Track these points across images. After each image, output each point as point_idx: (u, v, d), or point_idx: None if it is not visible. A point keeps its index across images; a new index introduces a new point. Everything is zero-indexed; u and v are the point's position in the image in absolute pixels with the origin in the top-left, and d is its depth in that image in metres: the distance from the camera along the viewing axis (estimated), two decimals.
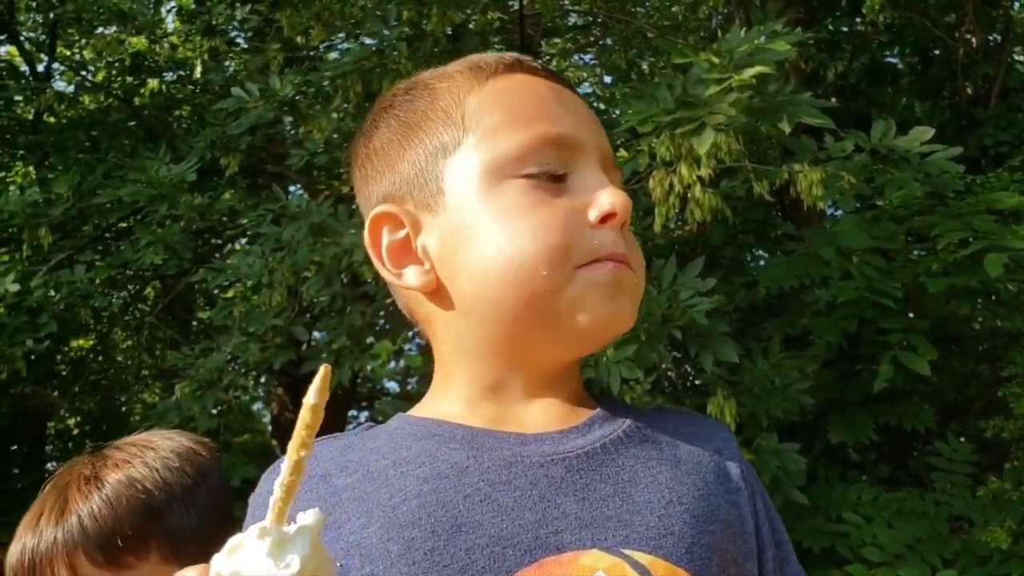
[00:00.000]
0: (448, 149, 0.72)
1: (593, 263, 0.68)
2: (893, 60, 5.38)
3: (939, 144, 2.79)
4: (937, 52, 5.04)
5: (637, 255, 0.72)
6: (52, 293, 3.38)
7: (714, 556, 0.66)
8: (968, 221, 2.88)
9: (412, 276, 0.73)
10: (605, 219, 0.69)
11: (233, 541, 0.50)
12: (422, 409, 0.75)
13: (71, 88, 5.13)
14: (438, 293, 0.73)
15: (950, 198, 3.08)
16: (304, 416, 0.50)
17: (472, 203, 0.70)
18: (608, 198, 0.69)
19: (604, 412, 0.72)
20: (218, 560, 0.50)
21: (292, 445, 0.50)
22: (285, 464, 0.50)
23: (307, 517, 0.50)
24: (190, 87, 4.63)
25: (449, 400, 0.73)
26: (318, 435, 0.58)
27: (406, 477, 0.66)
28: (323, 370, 0.51)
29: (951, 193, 3.00)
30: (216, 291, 5.48)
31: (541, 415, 0.71)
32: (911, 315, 3.21)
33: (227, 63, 4.52)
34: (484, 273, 0.69)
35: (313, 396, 0.50)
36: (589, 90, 6.34)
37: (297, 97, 3.70)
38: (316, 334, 3.86)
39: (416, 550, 0.61)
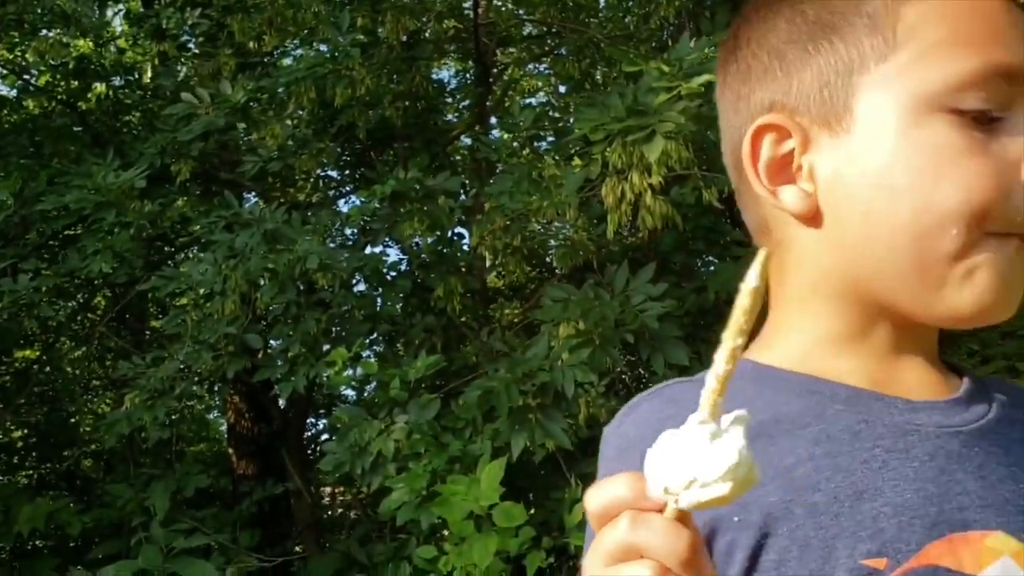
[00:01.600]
0: (868, 64, 0.62)
1: (1006, 236, 0.59)
2: None
3: None
4: None
5: None
6: None
7: None
8: None
9: (790, 196, 0.65)
10: None
11: (665, 435, 0.49)
12: (774, 354, 0.67)
13: (13, 92, 5.00)
14: (814, 220, 0.65)
15: None
16: (743, 301, 0.47)
17: (888, 133, 0.61)
18: None
19: (974, 383, 0.67)
20: (652, 451, 0.49)
21: (729, 332, 0.47)
22: (721, 353, 0.47)
23: (736, 413, 0.48)
24: (139, 92, 4.55)
25: (811, 352, 0.66)
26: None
27: (794, 438, 0.61)
28: (762, 254, 0.48)
29: None
30: (168, 299, 5.39)
31: (918, 380, 0.65)
32: None
33: (178, 68, 4.46)
34: (883, 215, 0.60)
35: (755, 279, 0.47)
36: (544, 99, 6.38)
37: (250, 103, 3.67)
38: (272, 342, 3.82)
39: (822, 514, 0.58)
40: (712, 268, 4.43)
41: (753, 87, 0.68)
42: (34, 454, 5.01)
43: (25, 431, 5.12)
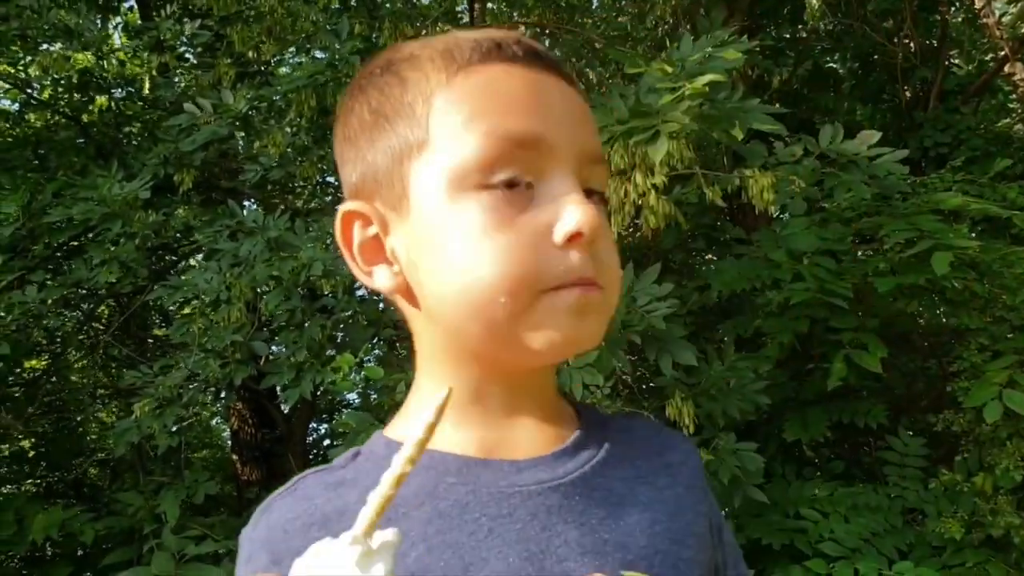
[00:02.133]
0: (413, 150, 0.65)
1: (558, 289, 0.62)
2: (835, 66, 5.53)
3: (887, 148, 2.89)
4: (877, 57, 5.20)
5: (612, 267, 0.66)
6: (3, 314, 3.31)
7: (694, 569, 0.68)
8: (914, 221, 2.98)
9: (381, 277, 0.69)
10: (570, 240, 0.62)
11: (317, 547, 0.50)
12: (406, 427, 0.71)
13: (15, 106, 5.01)
14: (409, 296, 0.69)
15: (895, 199, 3.19)
16: (420, 434, 0.50)
17: (434, 214, 0.64)
18: (574, 216, 0.62)
19: (585, 429, 0.71)
20: (300, 563, 0.50)
21: (400, 458, 0.50)
22: (387, 476, 0.50)
23: (388, 534, 0.50)
24: (139, 103, 4.56)
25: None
26: (288, 475, 0.62)
27: (408, 519, 0.64)
28: (447, 392, 0.52)
29: (897, 195, 3.10)
30: (172, 308, 5.40)
31: (529, 436, 0.69)
32: (861, 314, 3.31)
33: (177, 79, 4.47)
34: (443, 292, 0.64)
35: (433, 415, 0.51)
36: None
37: (250, 112, 3.68)
38: (275, 348, 3.83)
39: None
40: (712, 266, 4.45)
41: (346, 172, 0.72)
42: (43, 463, 5.03)
43: (33, 440, 5.14)
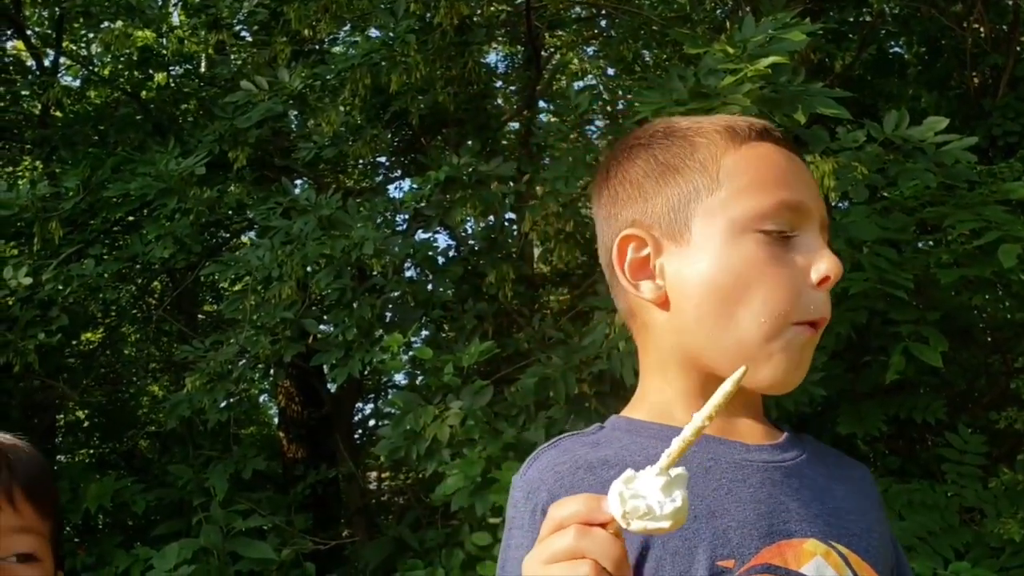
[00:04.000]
0: (701, 195, 0.85)
1: (802, 324, 0.82)
2: (900, 50, 5.36)
3: (954, 134, 2.78)
4: (945, 42, 5.02)
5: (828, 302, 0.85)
6: (62, 287, 3.38)
7: (880, 556, 0.84)
8: (980, 212, 2.87)
9: (647, 289, 0.87)
10: (822, 282, 0.82)
11: (629, 472, 0.66)
12: (642, 410, 0.90)
13: (77, 83, 5.12)
14: (664, 307, 0.87)
15: (962, 188, 3.08)
16: (718, 397, 0.66)
17: (714, 246, 0.83)
18: (826, 264, 0.81)
19: (790, 434, 0.91)
20: (618, 484, 0.65)
21: (701, 414, 0.66)
22: (690, 426, 0.66)
23: (680, 470, 0.66)
24: (196, 81, 4.61)
25: (667, 403, 0.88)
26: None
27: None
28: (742, 369, 0.68)
29: (964, 183, 2.99)
30: (224, 285, 5.48)
31: (750, 429, 0.88)
32: (921, 307, 3.21)
33: (233, 57, 4.51)
34: (712, 307, 0.82)
35: (730, 385, 0.67)
36: (592, 82, 6.32)
37: (305, 90, 3.70)
38: (323, 327, 3.86)
39: (686, 529, 0.74)
40: None
41: (620, 208, 0.91)
42: (96, 434, 5.15)
43: (88, 411, 5.27)
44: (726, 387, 0.66)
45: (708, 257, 0.83)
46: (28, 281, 3.10)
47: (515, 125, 5.44)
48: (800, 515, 0.81)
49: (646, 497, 0.64)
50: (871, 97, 4.88)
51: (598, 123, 5.45)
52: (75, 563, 3.49)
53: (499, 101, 5.50)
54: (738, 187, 0.84)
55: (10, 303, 3.14)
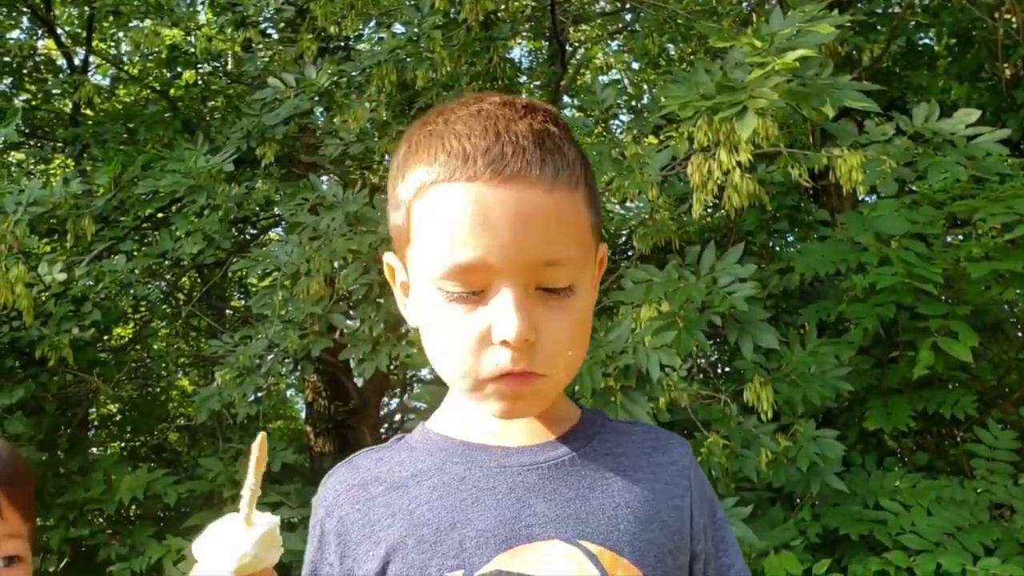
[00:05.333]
0: (403, 238, 0.82)
1: (496, 379, 0.78)
2: (930, 42, 5.29)
3: (986, 127, 2.75)
4: (975, 33, 4.95)
5: (558, 353, 0.79)
6: (94, 283, 3.44)
7: (651, 549, 0.82)
8: (1012, 205, 2.83)
9: (408, 314, 0.87)
10: (504, 343, 0.77)
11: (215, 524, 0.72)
12: (437, 422, 0.90)
13: (107, 81, 5.19)
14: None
15: (993, 182, 3.04)
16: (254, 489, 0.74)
17: (416, 294, 0.83)
18: (504, 329, 0.76)
19: (578, 428, 0.88)
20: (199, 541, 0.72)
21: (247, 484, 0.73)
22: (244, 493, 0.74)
23: (267, 518, 0.73)
24: (223, 78, 4.66)
25: (453, 416, 0.88)
26: (361, 447, 0.90)
27: (420, 486, 0.83)
28: (261, 436, 0.74)
29: (995, 176, 2.95)
30: (252, 281, 5.54)
31: (525, 430, 0.86)
32: (951, 301, 3.17)
33: (260, 54, 4.55)
34: (427, 351, 0.83)
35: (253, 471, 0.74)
36: (618, 77, 6.31)
37: (331, 87, 3.72)
38: (350, 322, 3.89)
39: (426, 543, 0.79)
40: (794, 249, 4.34)
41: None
42: (128, 427, 5.24)
43: (119, 405, 5.36)
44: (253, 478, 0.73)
45: (413, 301, 0.84)
46: (62, 277, 3.16)
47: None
48: (548, 517, 0.80)
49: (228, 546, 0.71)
50: (900, 90, 4.83)
51: (623, 118, 5.44)
52: (109, 553, 3.56)
53: (524, 96, 5.50)
54: (419, 240, 0.80)
55: (44, 299, 3.20)
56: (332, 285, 3.66)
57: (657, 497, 0.85)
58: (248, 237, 4.90)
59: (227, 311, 6.16)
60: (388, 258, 0.88)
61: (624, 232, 4.58)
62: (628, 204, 3.74)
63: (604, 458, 0.86)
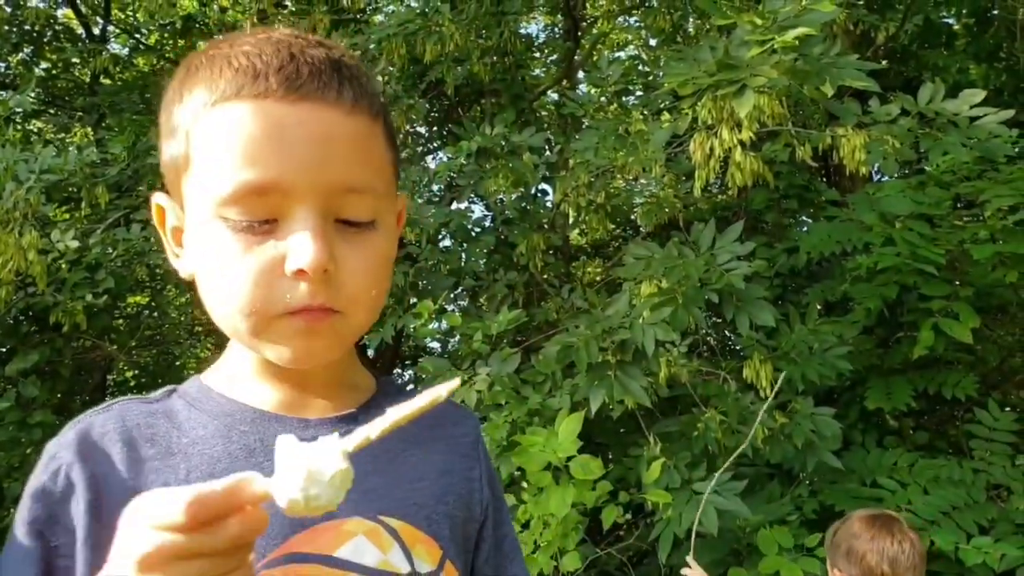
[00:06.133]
0: (181, 169, 0.72)
1: (288, 315, 0.69)
2: (948, 21, 5.22)
3: (992, 108, 2.73)
4: (995, 12, 4.88)
5: (358, 289, 0.71)
6: (109, 251, 3.50)
7: (447, 522, 0.79)
8: (1019, 187, 2.83)
9: (180, 264, 0.76)
10: (297, 273, 0.68)
11: (296, 448, 0.58)
12: (220, 379, 0.79)
13: (125, 51, 5.23)
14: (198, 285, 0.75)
15: (1000, 163, 3.02)
16: (423, 404, 0.59)
17: (193, 231, 0.71)
18: (299, 254, 0.67)
19: (375, 398, 0.81)
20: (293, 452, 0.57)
21: (399, 416, 0.59)
22: (380, 423, 0.60)
23: (345, 469, 0.58)
24: None
25: (240, 374, 0.77)
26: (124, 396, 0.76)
27: (201, 455, 0.72)
28: (456, 382, 0.62)
29: (1002, 158, 2.94)
30: None
31: (322, 401, 0.78)
32: (957, 283, 3.17)
33: (275, 26, 4.57)
34: (206, 296, 0.72)
35: (445, 393, 0.60)
36: (633, 53, 6.27)
37: None
38: None
39: None
40: (805, 228, 4.33)
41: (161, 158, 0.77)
42: (144, 393, 5.34)
43: (135, 371, 5.46)
44: (436, 393, 0.59)
45: (195, 245, 0.72)
46: (75, 244, 3.23)
47: (555, 96, 5.43)
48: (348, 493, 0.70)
49: (308, 479, 0.56)
50: (917, 69, 4.78)
51: (639, 93, 5.41)
52: None
53: (538, 71, 5.49)
54: (202, 164, 0.69)
55: (61, 266, 3.27)
56: None
57: (452, 469, 0.83)
58: None
59: None
60: (157, 198, 0.76)
61: (636, 209, 4.58)
62: (641, 182, 3.73)
63: (401, 430, 0.72)
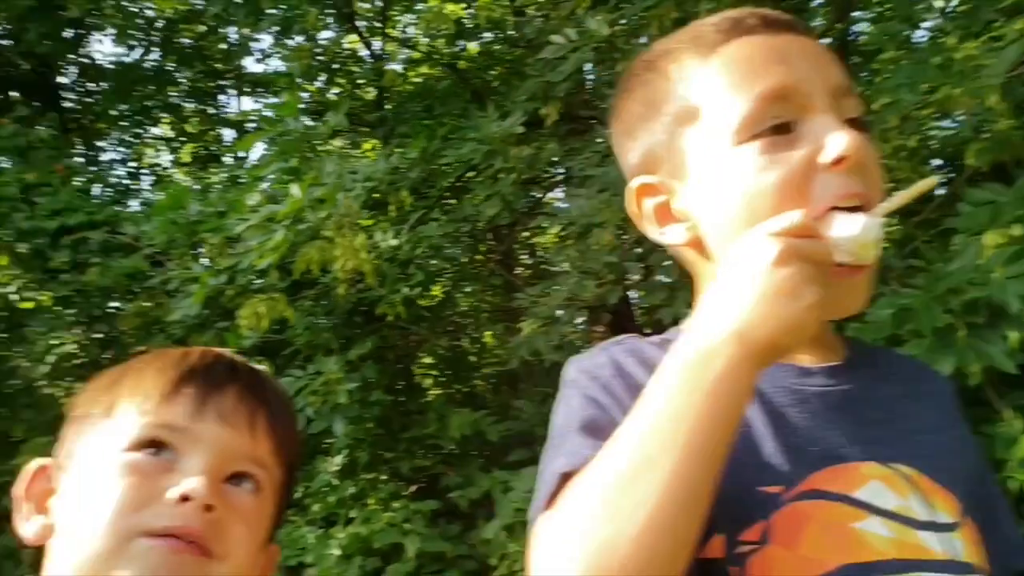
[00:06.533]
0: (685, 123, 0.81)
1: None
2: None
3: None
4: None
5: (877, 179, 0.78)
6: (417, 248, 3.83)
7: (960, 475, 0.80)
8: None
9: (673, 234, 0.84)
10: (837, 162, 0.74)
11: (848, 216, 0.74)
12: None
13: (400, 67, 5.65)
14: (699, 246, 0.83)
15: None
16: (923, 187, 0.76)
17: (713, 169, 0.79)
18: (837, 143, 0.74)
19: (858, 353, 0.87)
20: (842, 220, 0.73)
21: (908, 193, 0.74)
22: (900, 196, 0.75)
23: (880, 221, 0.74)
24: (505, 44, 4.88)
25: None
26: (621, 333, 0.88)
27: None
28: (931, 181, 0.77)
29: None
30: (538, 240, 5.82)
31: (812, 350, 0.83)
32: None
33: (535, 14, 4.69)
34: (732, 227, 0.77)
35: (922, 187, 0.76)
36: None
37: (610, 37, 3.74)
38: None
39: (738, 453, 0.71)
40: None
41: (624, 158, 0.90)
42: (443, 377, 5.81)
43: (432, 359, 5.93)
44: (927, 182, 0.75)
45: (709, 184, 0.80)
46: (395, 243, 3.58)
47: (825, 41, 5.05)
48: (855, 439, 0.77)
49: (858, 233, 0.71)
50: None
51: (926, 24, 4.86)
52: (447, 482, 4.04)
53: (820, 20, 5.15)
54: (714, 101, 0.79)
55: (379, 264, 3.63)
56: (624, 235, 3.73)
57: (949, 424, 0.85)
58: (532, 199, 5.13)
59: (516, 269, 6.53)
60: (641, 180, 0.86)
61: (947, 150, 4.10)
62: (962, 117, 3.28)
63: (891, 383, 0.85)
